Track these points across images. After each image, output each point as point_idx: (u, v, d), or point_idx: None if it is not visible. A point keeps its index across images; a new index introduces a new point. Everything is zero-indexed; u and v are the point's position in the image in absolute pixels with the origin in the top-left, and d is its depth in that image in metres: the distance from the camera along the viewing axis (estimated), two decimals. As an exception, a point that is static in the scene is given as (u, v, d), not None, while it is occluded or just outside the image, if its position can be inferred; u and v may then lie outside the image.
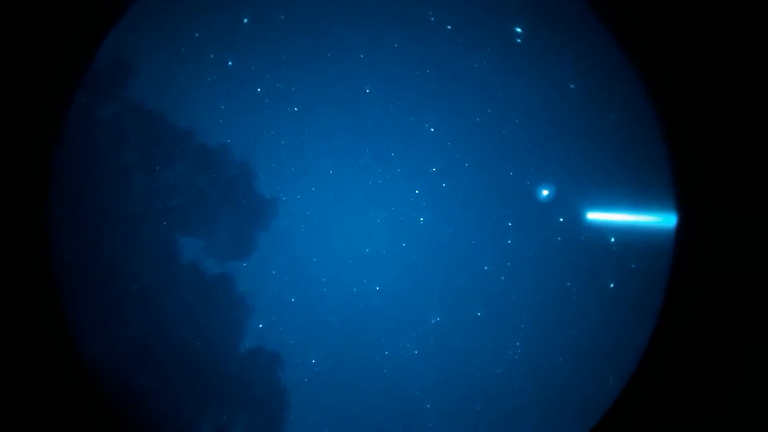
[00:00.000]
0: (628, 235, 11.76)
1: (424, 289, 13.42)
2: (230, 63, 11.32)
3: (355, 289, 13.25)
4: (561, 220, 12.21)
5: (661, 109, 5.03)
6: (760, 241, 4.48)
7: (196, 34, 10.86)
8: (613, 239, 11.88)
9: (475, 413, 13.23)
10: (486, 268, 12.99)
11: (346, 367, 12.98)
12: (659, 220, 11.39)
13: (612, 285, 11.93)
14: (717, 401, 4.56)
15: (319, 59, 11.82)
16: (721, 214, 4.66)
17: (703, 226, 4.84)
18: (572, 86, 11.73)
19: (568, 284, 12.61)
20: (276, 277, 12.71)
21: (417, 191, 12.75)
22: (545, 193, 12.06)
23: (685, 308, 4.96)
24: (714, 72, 4.52)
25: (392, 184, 12.76)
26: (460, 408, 13.22)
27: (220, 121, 11.48)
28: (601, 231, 11.98)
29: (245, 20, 10.93)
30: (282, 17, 11.19)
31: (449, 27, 11.44)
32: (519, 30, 11.44)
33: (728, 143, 4.60)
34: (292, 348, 12.43)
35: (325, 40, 11.70)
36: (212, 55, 11.16)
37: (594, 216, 11.99)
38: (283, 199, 12.12)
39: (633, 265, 11.71)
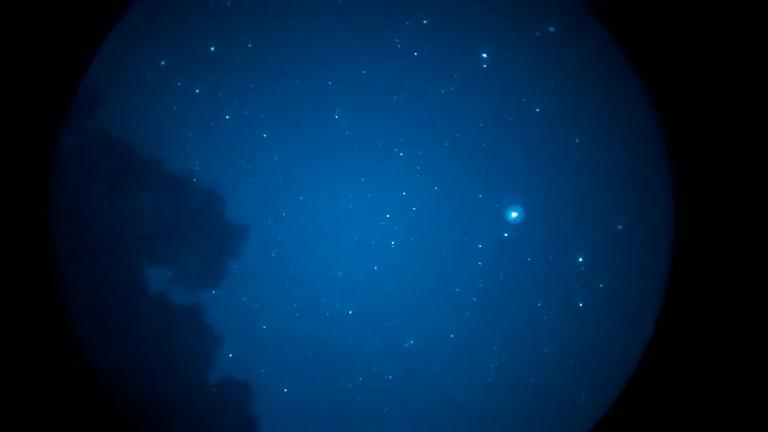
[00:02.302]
0: (595, 255, 11.99)
1: (397, 312, 13.41)
2: (198, 91, 11.29)
3: (327, 314, 13.18)
4: (529, 241, 12.39)
5: (661, 114, 5.11)
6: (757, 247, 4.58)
7: (163, 62, 10.83)
8: (581, 259, 12.08)
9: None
10: (457, 290, 13.06)
11: (320, 395, 12.84)
12: (625, 241, 11.64)
13: (581, 304, 12.11)
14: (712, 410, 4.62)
15: (288, 86, 11.87)
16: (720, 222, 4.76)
17: (698, 237, 4.94)
18: (537, 110, 11.98)
19: (539, 304, 12.74)
20: (246, 305, 12.57)
21: (388, 215, 12.82)
22: (514, 215, 12.23)
23: (680, 319, 5.04)
24: (712, 75, 4.65)
25: (363, 209, 12.79)
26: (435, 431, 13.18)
27: (188, 149, 11.42)
28: (569, 251, 12.17)
29: (212, 48, 10.95)
30: (249, 45, 11.24)
31: (416, 53, 11.63)
32: (484, 55, 11.67)
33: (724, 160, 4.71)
34: (264, 377, 12.27)
35: (292, 67, 11.77)
36: (179, 83, 11.13)
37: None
38: (253, 225, 12.04)
39: (601, 285, 11.92)
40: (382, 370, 13.05)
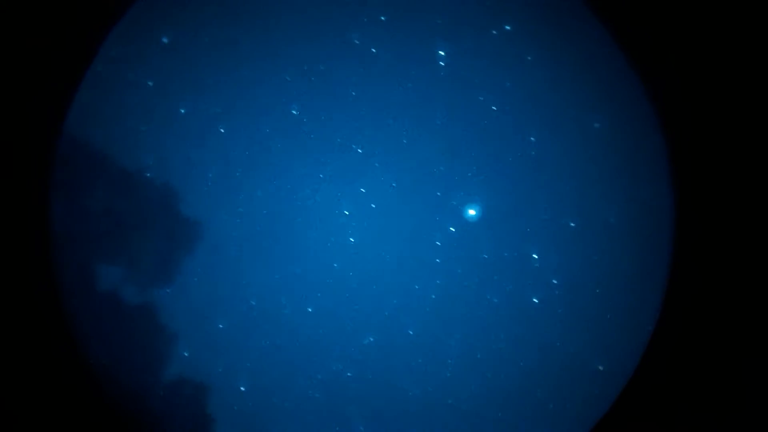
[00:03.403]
0: (549, 251, 12.25)
1: (356, 310, 13.41)
2: (150, 84, 11.01)
3: (286, 311, 13.06)
4: (486, 238, 12.57)
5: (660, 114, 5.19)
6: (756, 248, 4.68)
7: (113, 54, 10.51)
8: (535, 255, 12.33)
9: (410, 434, 13.28)
10: (416, 287, 13.14)
11: (277, 393, 12.73)
12: (578, 238, 11.92)
13: (535, 300, 12.36)
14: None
15: (244, 81, 11.72)
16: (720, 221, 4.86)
17: (697, 233, 5.04)
18: (494, 108, 12.16)
19: (495, 300, 12.94)
20: (203, 302, 12.34)
21: (346, 212, 12.79)
22: (471, 212, 12.38)
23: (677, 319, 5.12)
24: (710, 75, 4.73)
25: (321, 205, 12.74)
26: (395, 430, 13.22)
27: (141, 143, 11.13)
28: (524, 248, 12.40)
29: (165, 40, 10.69)
30: (206, 39, 11.05)
31: (374, 50, 11.65)
32: (442, 53, 11.78)
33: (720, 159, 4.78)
34: (220, 376, 12.08)
35: (249, 62, 11.62)
36: (130, 76, 10.83)
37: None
38: (209, 221, 11.84)
39: (555, 281, 12.20)
40: (341, 367, 13.03)
